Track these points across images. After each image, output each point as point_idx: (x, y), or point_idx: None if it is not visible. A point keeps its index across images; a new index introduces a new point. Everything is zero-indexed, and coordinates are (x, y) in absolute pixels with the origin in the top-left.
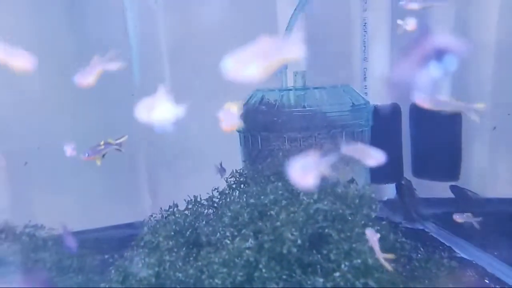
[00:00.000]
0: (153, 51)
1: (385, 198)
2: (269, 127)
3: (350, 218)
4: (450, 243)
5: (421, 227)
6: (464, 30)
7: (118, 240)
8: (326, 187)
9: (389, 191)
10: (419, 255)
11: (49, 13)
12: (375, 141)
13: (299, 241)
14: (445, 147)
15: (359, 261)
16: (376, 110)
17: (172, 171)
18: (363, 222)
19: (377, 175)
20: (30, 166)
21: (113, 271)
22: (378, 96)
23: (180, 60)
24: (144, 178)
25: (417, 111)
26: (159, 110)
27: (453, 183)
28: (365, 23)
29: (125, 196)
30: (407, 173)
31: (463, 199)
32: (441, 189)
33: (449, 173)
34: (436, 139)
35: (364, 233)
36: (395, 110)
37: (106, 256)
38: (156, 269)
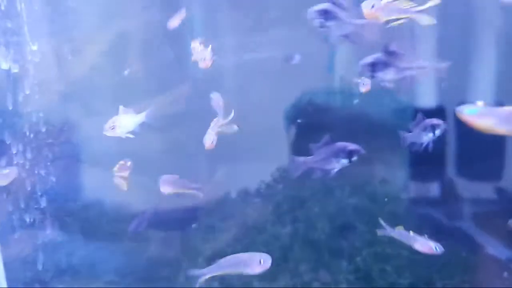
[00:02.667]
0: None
1: (429, 196)
2: (314, 127)
3: (375, 213)
4: (484, 242)
5: (458, 225)
6: None
7: (180, 220)
8: (358, 185)
9: (432, 189)
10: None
11: None
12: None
13: (327, 230)
14: (489, 148)
15: (378, 249)
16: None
17: (223, 162)
18: (386, 217)
19: (422, 173)
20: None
21: (178, 245)
22: (424, 100)
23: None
24: (205, 168)
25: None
26: (122, 123)
27: (496, 183)
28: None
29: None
30: (451, 172)
31: (506, 200)
32: (484, 190)
33: (492, 174)
34: (480, 140)
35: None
36: (440, 112)
37: (175, 232)
38: (212, 244)
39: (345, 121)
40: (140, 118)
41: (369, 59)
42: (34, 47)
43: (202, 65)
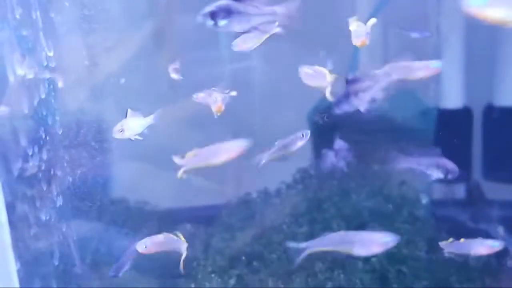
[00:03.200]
0: None
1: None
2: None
3: (390, 214)
4: (506, 244)
5: (478, 227)
6: None
7: (201, 218)
8: (375, 187)
9: (458, 191)
10: None
11: None
12: (445, 143)
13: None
14: None
15: (395, 250)
16: (447, 114)
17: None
18: (402, 218)
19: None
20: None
21: (198, 243)
22: (450, 100)
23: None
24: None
25: (490, 114)
26: (130, 126)
27: None
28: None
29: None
30: (477, 175)
31: None
32: (510, 192)
33: None
34: (508, 141)
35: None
36: (466, 113)
37: (193, 231)
38: (230, 243)
39: (367, 122)
40: (148, 120)
41: (336, 98)
42: (50, 53)
43: (215, 108)
